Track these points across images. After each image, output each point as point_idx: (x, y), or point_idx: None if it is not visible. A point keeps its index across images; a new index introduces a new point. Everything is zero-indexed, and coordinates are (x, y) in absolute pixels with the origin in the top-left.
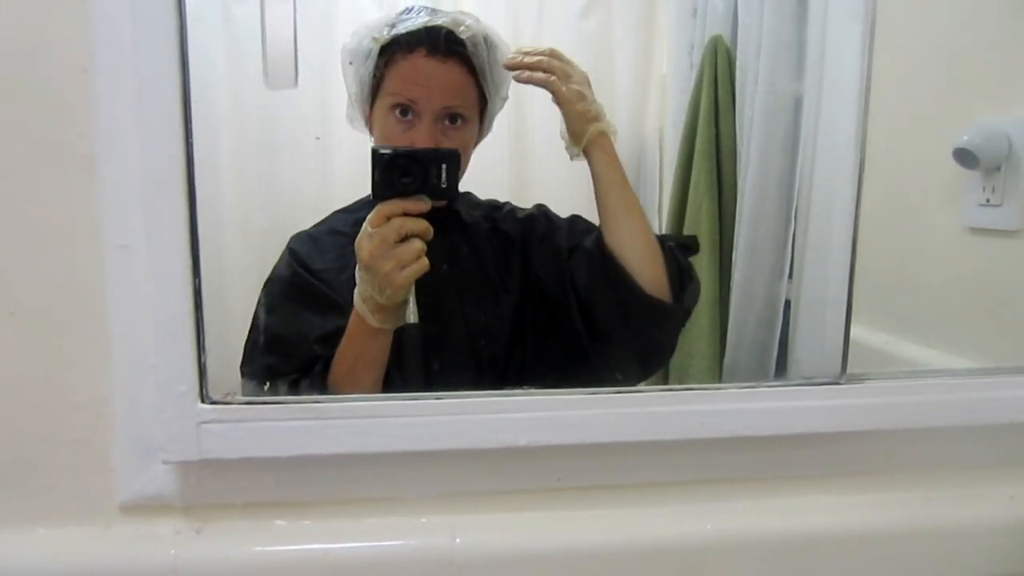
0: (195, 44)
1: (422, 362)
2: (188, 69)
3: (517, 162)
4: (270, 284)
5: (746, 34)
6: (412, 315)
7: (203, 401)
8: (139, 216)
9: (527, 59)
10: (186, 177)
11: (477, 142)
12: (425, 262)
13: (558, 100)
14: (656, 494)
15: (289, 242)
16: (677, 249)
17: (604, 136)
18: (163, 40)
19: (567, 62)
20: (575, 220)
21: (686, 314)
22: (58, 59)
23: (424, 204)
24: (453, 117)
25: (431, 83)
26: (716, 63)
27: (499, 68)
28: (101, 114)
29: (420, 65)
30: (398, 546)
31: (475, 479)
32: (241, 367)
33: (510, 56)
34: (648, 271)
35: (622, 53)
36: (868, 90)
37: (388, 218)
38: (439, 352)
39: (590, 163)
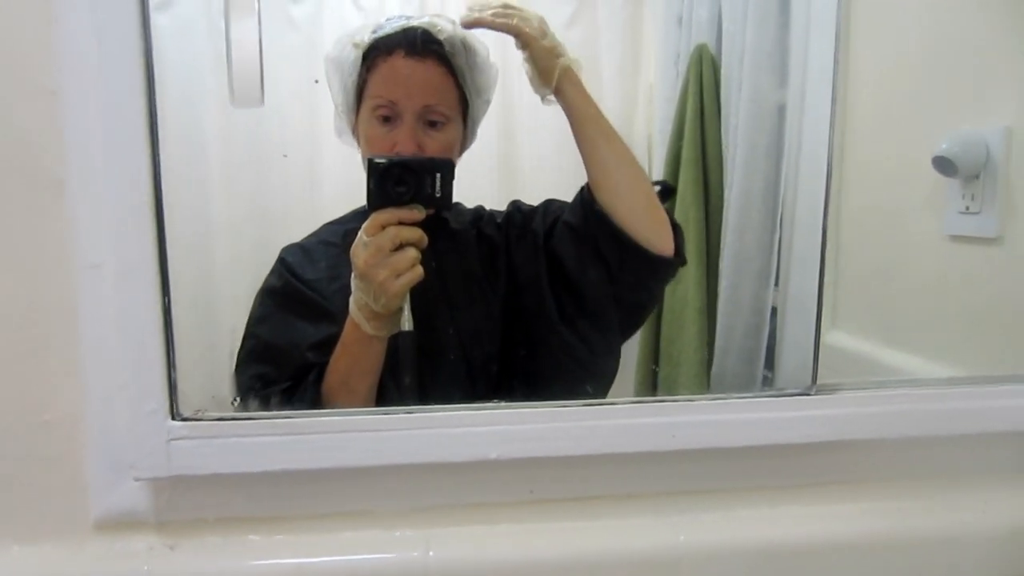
0: (182, 61)
1: (416, 369)
2: (155, 91)
3: (506, 173)
4: (262, 294)
5: (730, 43)
6: (407, 323)
7: (173, 418)
8: (109, 236)
9: (482, 14)
10: (154, 197)
11: (463, 149)
12: (420, 270)
13: (523, 40)
14: (629, 505)
15: (280, 253)
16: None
17: (572, 71)
18: (127, 63)
19: (522, 8)
20: (549, 202)
21: (683, 261)
22: (26, 82)
23: (418, 213)
24: (434, 118)
25: (411, 82)
26: (701, 72)
27: (479, 71)
28: (69, 136)
29: (399, 66)
30: (372, 560)
31: (448, 492)
32: (234, 376)
33: (464, 15)
34: (645, 214)
35: (609, 61)
36: (835, 99)
37: (383, 227)
38: (432, 359)
39: (562, 99)
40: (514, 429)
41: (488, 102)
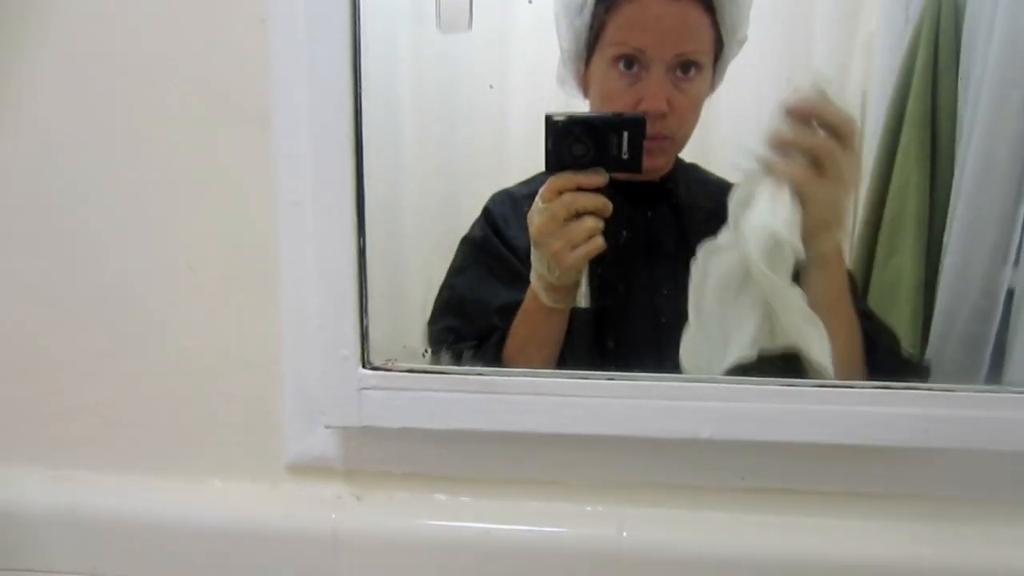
0: None
1: (596, 350)
2: (360, 19)
3: None
4: (463, 243)
5: None
6: (584, 299)
7: (364, 366)
8: (309, 173)
9: (795, 135)
10: (354, 133)
11: (708, 94)
12: (599, 242)
13: (802, 197)
14: (862, 506)
15: (488, 201)
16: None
17: (837, 252)
18: None
19: (845, 135)
20: None
21: None
22: (238, 9)
23: (600, 177)
24: (686, 66)
25: (663, 26)
26: (939, 17)
27: (737, 4)
28: (276, 66)
29: (650, 6)
30: (561, 534)
31: (648, 469)
32: (428, 325)
33: (789, 101)
34: None
35: (823, 6)
36: None
37: (559, 192)
38: (619, 342)
39: (807, 279)
40: (733, 407)
41: (742, 41)
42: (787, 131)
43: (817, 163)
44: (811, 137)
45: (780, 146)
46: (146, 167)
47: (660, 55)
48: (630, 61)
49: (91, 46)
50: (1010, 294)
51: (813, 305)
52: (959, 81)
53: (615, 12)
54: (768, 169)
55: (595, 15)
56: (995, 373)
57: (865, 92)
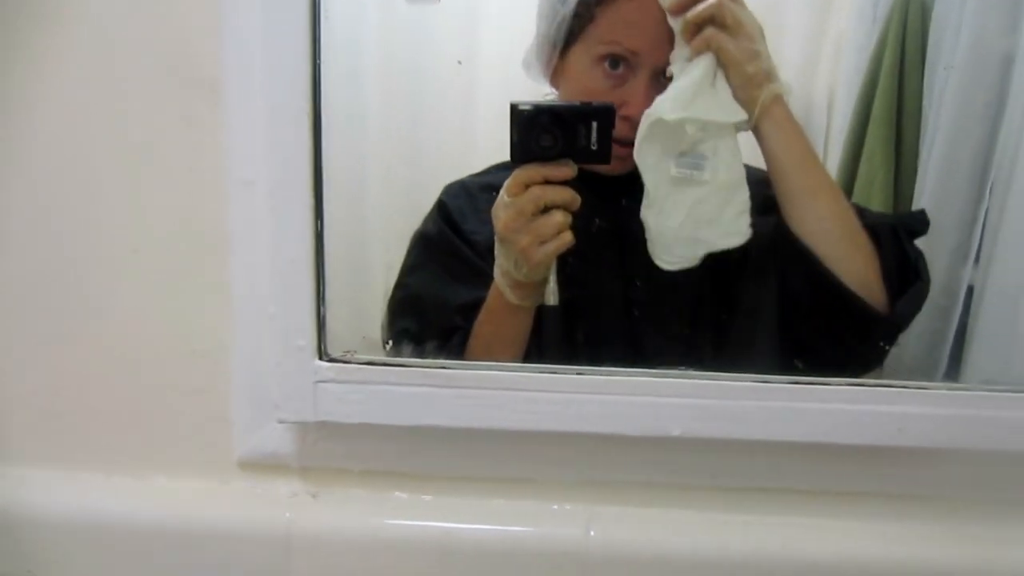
0: None
1: (564, 348)
2: None
3: None
4: (417, 239)
5: None
6: (552, 296)
7: (321, 358)
8: (264, 149)
9: (695, 12)
10: (312, 107)
11: None
12: (568, 237)
13: (724, 60)
14: (832, 505)
15: (441, 193)
16: (904, 235)
17: (779, 102)
18: None
19: (740, 6)
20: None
21: (902, 323)
22: None
23: (568, 169)
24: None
25: (660, 30)
26: (907, 17)
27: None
28: (227, 31)
29: (649, 7)
30: (526, 533)
31: (617, 467)
32: (384, 325)
33: (667, 5)
34: (848, 266)
35: (795, 6)
36: None
37: (526, 186)
38: (589, 338)
39: (761, 138)
40: (705, 404)
41: None
42: (684, 22)
43: (719, 24)
44: (701, 7)
45: (688, 33)
46: (85, 139)
47: (651, 59)
48: (617, 61)
49: (24, 5)
50: (970, 291)
51: (776, 162)
52: (924, 81)
53: (609, 8)
54: (688, 55)
55: (583, 4)
56: (954, 369)
57: (832, 91)
